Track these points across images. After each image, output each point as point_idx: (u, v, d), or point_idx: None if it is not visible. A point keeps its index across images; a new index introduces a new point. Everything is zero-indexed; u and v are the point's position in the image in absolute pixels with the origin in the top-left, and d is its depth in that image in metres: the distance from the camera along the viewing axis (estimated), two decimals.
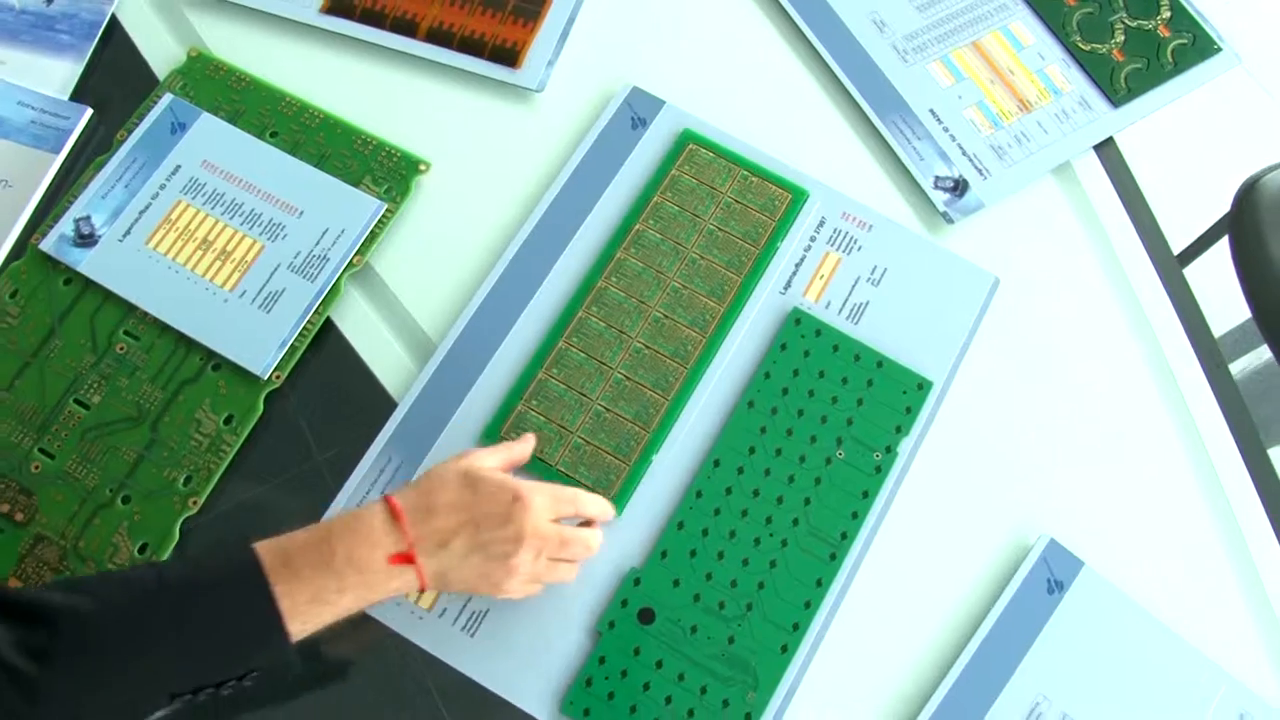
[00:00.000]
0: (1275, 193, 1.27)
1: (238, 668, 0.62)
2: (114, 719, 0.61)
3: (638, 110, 0.96)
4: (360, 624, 0.76)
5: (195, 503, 0.79)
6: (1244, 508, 0.84)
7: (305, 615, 0.63)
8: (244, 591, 0.62)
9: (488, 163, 0.94)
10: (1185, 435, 0.86)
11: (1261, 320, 1.27)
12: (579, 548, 0.72)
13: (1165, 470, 0.85)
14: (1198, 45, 1.02)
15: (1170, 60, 1.00)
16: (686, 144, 0.94)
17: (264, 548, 0.64)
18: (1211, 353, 0.88)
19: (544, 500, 0.70)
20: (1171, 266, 0.92)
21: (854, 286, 0.90)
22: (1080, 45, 1.00)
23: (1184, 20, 1.03)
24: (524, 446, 0.77)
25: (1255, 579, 0.82)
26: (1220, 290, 1.33)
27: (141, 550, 0.77)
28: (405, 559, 0.66)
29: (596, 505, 0.75)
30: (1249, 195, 1.28)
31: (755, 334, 0.87)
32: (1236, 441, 0.85)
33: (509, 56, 0.98)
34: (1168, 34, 1.02)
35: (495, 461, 0.72)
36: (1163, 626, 0.80)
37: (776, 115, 0.97)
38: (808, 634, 0.78)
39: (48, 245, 0.86)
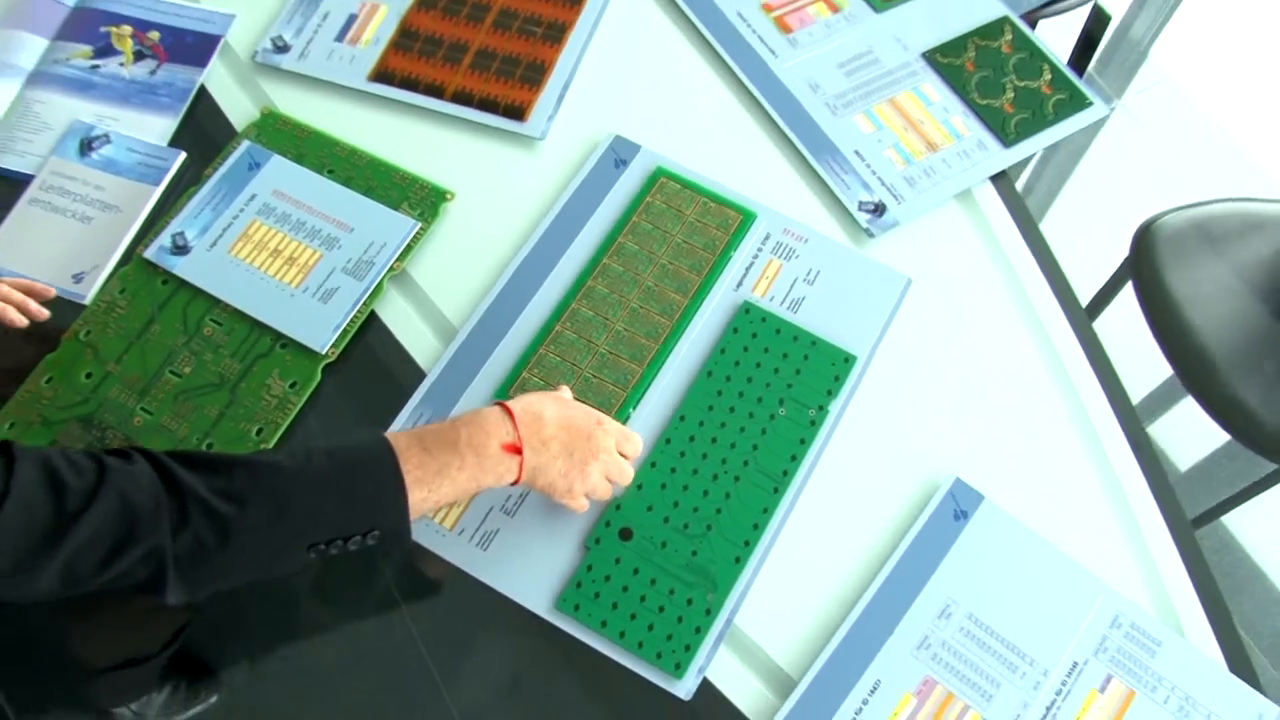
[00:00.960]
0: (1169, 232, 1.49)
1: (367, 525, 0.81)
2: (272, 562, 0.81)
3: (620, 153, 1.19)
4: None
5: (266, 440, 0.99)
6: (1114, 450, 1.04)
7: (431, 484, 0.83)
8: (380, 466, 0.82)
9: (500, 193, 1.17)
10: (1066, 395, 1.07)
11: (1166, 349, 1.47)
12: (624, 475, 0.93)
13: (1048, 421, 1.06)
14: (1073, 100, 1.25)
15: (1051, 111, 1.24)
16: (659, 178, 1.17)
17: (400, 435, 0.84)
18: (1082, 324, 1.09)
19: (615, 429, 0.92)
20: (1048, 258, 1.14)
21: (793, 285, 1.11)
22: (978, 100, 1.24)
23: (1062, 81, 1.27)
24: None
25: (1126, 509, 1.01)
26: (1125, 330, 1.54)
27: None
28: (514, 449, 0.86)
29: (636, 446, 0.96)
30: (1145, 236, 1.50)
31: (714, 321, 1.09)
32: (1106, 396, 1.06)
33: (517, 113, 1.22)
34: (1049, 91, 1.26)
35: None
36: (1050, 546, 0.99)
37: (731, 155, 1.20)
38: (756, 549, 0.97)
39: (150, 254, 1.08)
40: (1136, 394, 1.94)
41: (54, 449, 0.77)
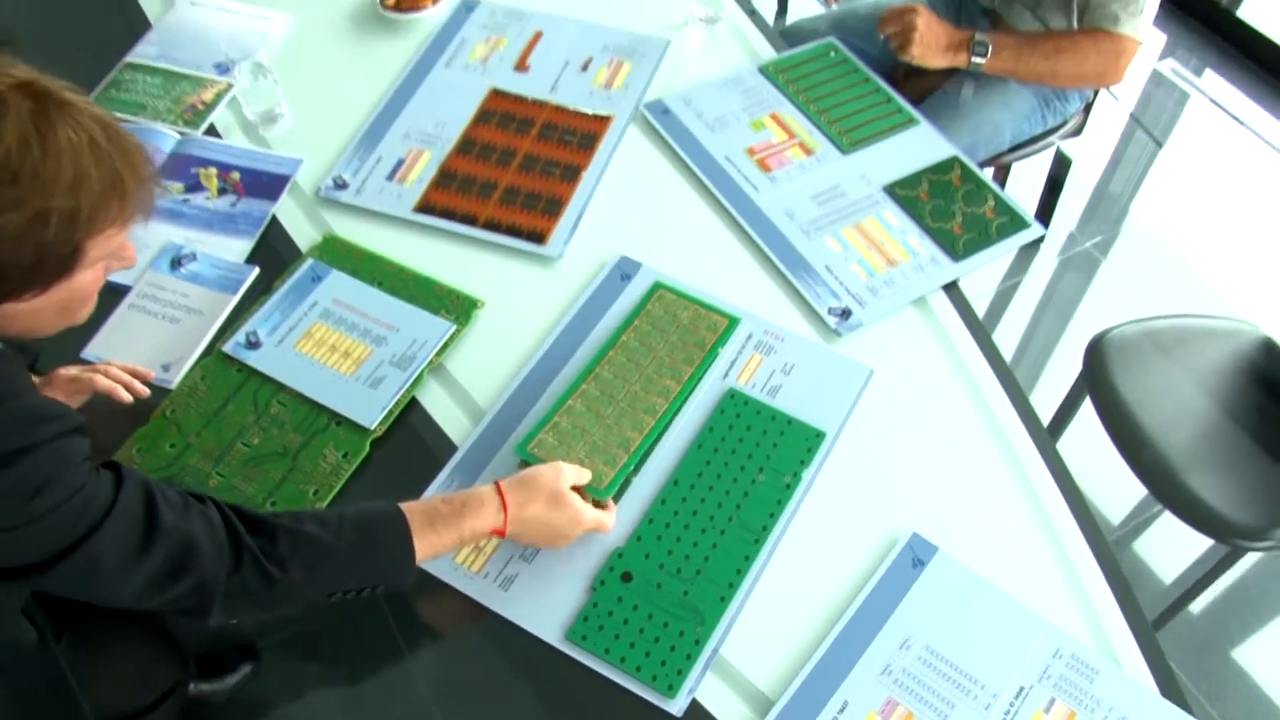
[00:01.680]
0: (1120, 342, 1.68)
1: (379, 582, 1.03)
2: (300, 605, 1.01)
3: (624, 270, 1.41)
4: (432, 585, 1.12)
5: (321, 500, 1.17)
6: (1053, 506, 1.20)
7: (431, 551, 1.05)
8: (396, 539, 1.03)
9: (523, 302, 1.37)
10: (1009, 463, 1.23)
11: (1120, 447, 1.63)
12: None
13: (994, 485, 1.22)
14: (1014, 222, 1.47)
15: (995, 232, 1.45)
16: (657, 290, 1.37)
17: (415, 509, 1.04)
18: (1020, 398, 1.27)
19: (588, 522, 1.12)
20: (990, 346, 1.32)
21: (771, 375, 1.30)
22: (931, 224, 1.45)
23: (1004, 207, 1.48)
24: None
25: (1064, 555, 1.17)
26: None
27: None
28: (499, 533, 1.08)
29: (610, 523, 1.16)
30: (1097, 346, 1.68)
31: (704, 404, 1.27)
32: (1045, 463, 1.22)
33: (538, 237, 1.44)
34: (993, 216, 1.47)
35: (573, 477, 1.13)
36: (998, 589, 1.14)
37: (720, 271, 1.41)
38: (739, 590, 1.13)
39: (227, 348, 1.29)
40: (1109, 495, 2.08)
41: (153, 479, 0.95)
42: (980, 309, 2.39)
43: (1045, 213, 2.38)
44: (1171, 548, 2.04)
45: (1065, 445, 1.78)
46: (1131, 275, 2.48)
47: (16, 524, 0.85)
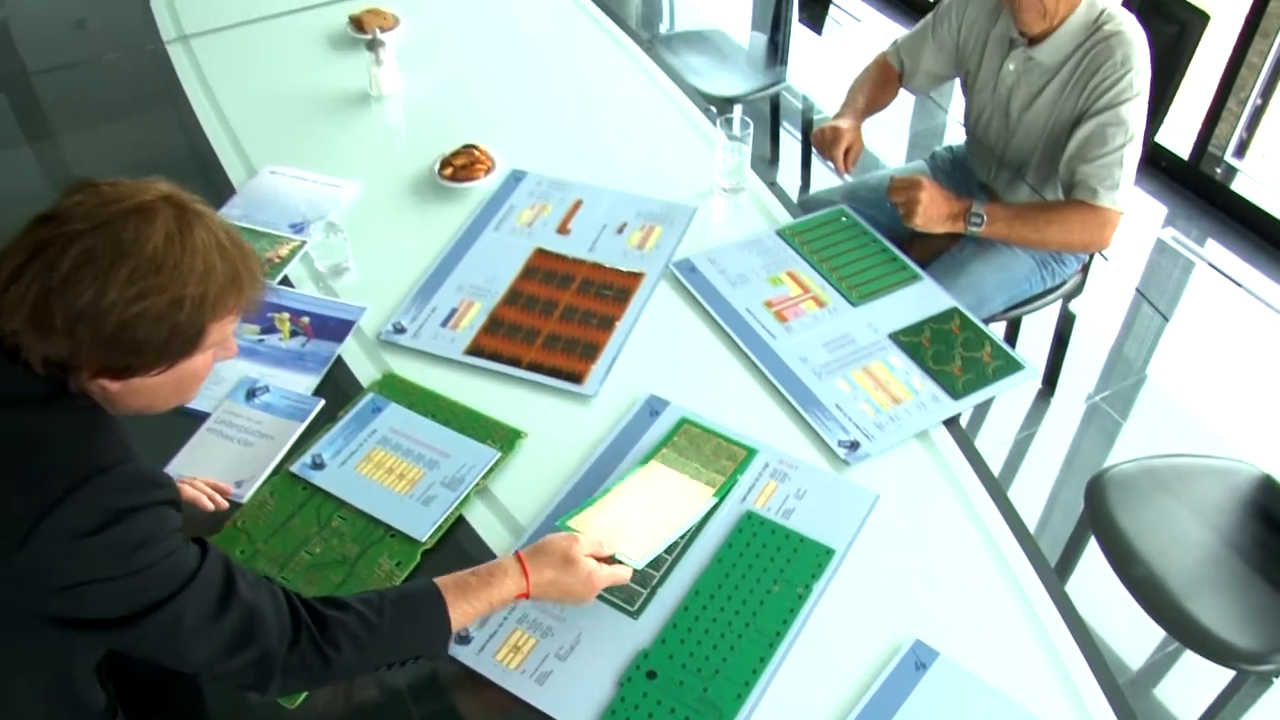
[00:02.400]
0: (1118, 480, 1.78)
1: (420, 654, 1.17)
2: (350, 678, 1.16)
3: (654, 406, 1.55)
4: (476, 680, 1.23)
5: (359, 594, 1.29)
6: (1047, 618, 1.29)
7: (464, 621, 1.19)
8: (434, 616, 1.17)
9: (561, 434, 1.52)
10: (1005, 579, 1.34)
11: (1125, 579, 1.72)
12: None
13: (992, 598, 1.32)
14: (1009, 365, 1.61)
15: (991, 374, 1.59)
16: (683, 424, 1.52)
17: (447, 583, 1.19)
18: (1012, 515, 1.38)
19: (602, 579, 1.25)
20: (988, 475, 1.44)
21: (785, 500, 1.43)
22: (932, 366, 1.60)
23: (1000, 352, 1.63)
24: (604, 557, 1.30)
25: (1057, 658, 1.26)
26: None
27: None
28: (524, 595, 1.21)
29: (626, 576, 1.29)
30: (1097, 485, 1.79)
31: (724, 524, 1.39)
32: (1038, 575, 1.33)
33: (576, 378, 1.60)
34: (989, 359, 1.62)
35: (588, 547, 1.26)
36: (995, 691, 1.23)
37: (739, 408, 1.55)
38: (755, 687, 1.23)
39: (294, 468, 1.44)
40: (1125, 639, 2.14)
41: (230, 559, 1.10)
42: (999, 457, 2.51)
43: (1054, 366, 2.52)
44: (1187, 690, 2.08)
45: (1076, 585, 1.88)
46: (1135, 420, 2.60)
47: (117, 575, 0.99)
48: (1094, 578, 1.88)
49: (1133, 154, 1.85)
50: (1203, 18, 2.01)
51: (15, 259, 0.98)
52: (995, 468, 1.50)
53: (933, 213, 1.88)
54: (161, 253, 0.99)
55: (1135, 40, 1.84)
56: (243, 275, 1.06)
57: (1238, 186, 3.20)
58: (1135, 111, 1.85)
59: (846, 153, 2.03)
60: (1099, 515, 1.77)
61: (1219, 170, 3.24)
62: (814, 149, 2.09)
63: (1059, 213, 1.92)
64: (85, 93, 2.49)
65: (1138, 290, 3.04)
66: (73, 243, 0.97)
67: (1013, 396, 2.63)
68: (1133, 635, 2.14)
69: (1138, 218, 3.24)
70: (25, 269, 0.97)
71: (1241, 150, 3.25)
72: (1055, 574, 1.35)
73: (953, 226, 1.91)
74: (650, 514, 1.37)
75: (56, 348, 0.99)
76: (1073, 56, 1.90)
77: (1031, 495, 2.43)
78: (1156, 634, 2.07)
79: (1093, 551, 1.79)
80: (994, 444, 2.54)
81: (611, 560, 1.29)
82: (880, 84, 2.20)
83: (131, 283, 0.98)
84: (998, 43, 2.03)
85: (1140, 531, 1.72)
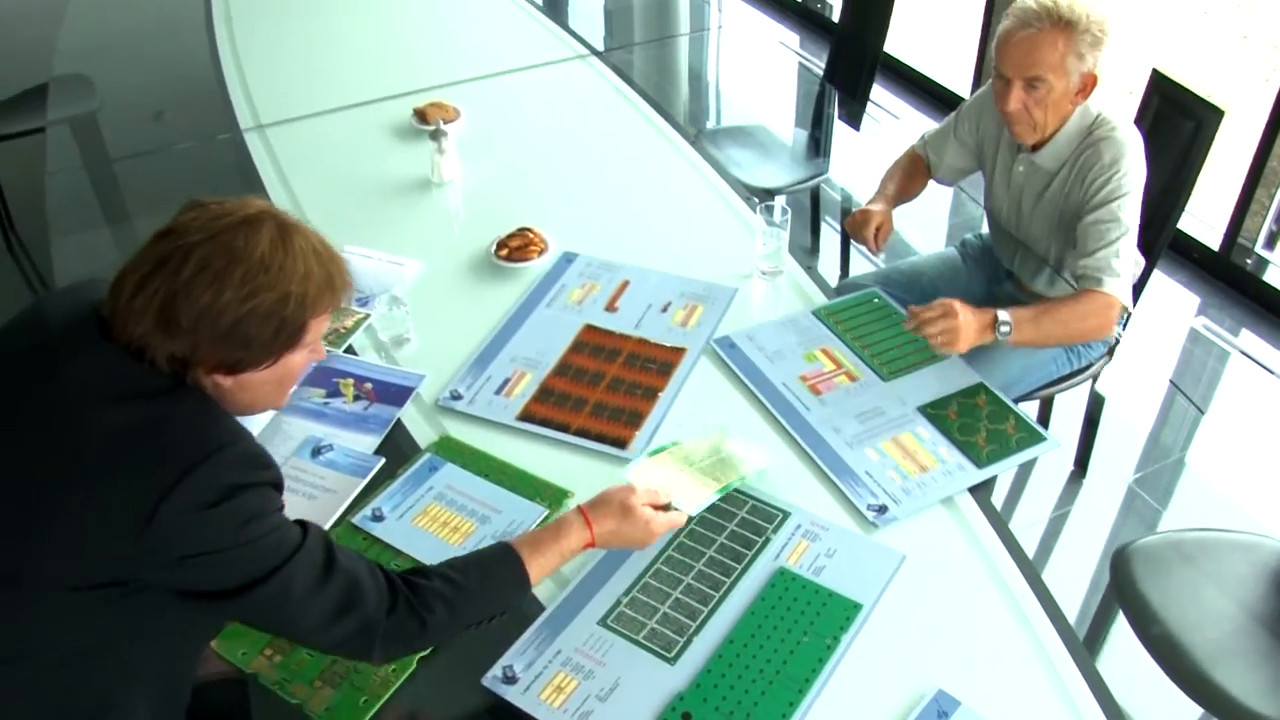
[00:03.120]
0: (1144, 552, 1.84)
1: (505, 608, 1.32)
2: (445, 640, 1.29)
3: None
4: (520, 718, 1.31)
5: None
6: (1065, 670, 1.35)
7: (542, 573, 1.35)
8: (514, 573, 1.31)
9: None
10: (1025, 632, 1.40)
11: (1150, 648, 1.76)
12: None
13: (1013, 650, 1.38)
14: (1032, 437, 1.69)
15: (1015, 444, 1.67)
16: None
17: (522, 542, 1.33)
18: (1031, 573, 1.45)
19: (660, 525, 1.42)
20: (1011, 540, 1.51)
21: (816, 558, 1.51)
22: (958, 437, 1.68)
23: (1023, 425, 1.71)
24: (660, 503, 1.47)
25: (1076, 712, 1.32)
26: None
27: None
28: (590, 544, 1.38)
29: (681, 520, 1.48)
30: (1121, 557, 1.84)
31: (758, 579, 1.48)
32: (1056, 630, 1.39)
33: (621, 443, 1.70)
34: (1013, 432, 1.70)
35: (645, 497, 1.41)
36: None
37: (775, 473, 1.64)
38: None
39: (356, 520, 1.55)
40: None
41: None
42: (1033, 536, 2.55)
43: (1085, 448, 2.58)
44: None
45: (1107, 658, 1.92)
46: (1166, 501, 2.65)
47: (231, 545, 1.11)
48: (1125, 652, 1.93)
49: (1128, 245, 1.95)
50: (1218, 114, 2.12)
51: (140, 271, 1.13)
52: (1029, 547, 1.55)
53: (970, 333, 1.85)
54: (268, 257, 1.14)
55: (1126, 143, 1.96)
56: (335, 278, 1.22)
57: (1269, 277, 3.27)
58: (1129, 207, 1.95)
59: (877, 232, 2.14)
60: (1124, 585, 1.82)
61: (1249, 261, 3.32)
62: (848, 232, 2.19)
63: (1072, 306, 1.96)
64: (170, 178, 2.69)
65: (1172, 382, 3.09)
66: (192, 252, 1.12)
67: (1046, 478, 2.69)
68: (1161, 708, 2.16)
69: (1170, 306, 3.31)
70: (150, 279, 1.12)
71: (1272, 242, 3.33)
72: (1074, 631, 1.41)
73: (986, 338, 1.89)
74: (707, 471, 1.52)
75: (180, 346, 1.13)
76: (1069, 160, 2.03)
77: (1063, 571, 2.47)
78: (1184, 707, 2.09)
79: (1124, 627, 1.84)
80: (1026, 523, 2.59)
81: (668, 508, 1.46)
82: (910, 174, 2.31)
83: (244, 284, 1.13)
84: (1008, 146, 2.16)
85: (1165, 601, 1.77)
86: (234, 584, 1.14)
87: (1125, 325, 2.27)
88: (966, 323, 1.83)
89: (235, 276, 1.13)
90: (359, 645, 1.21)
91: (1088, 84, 1.95)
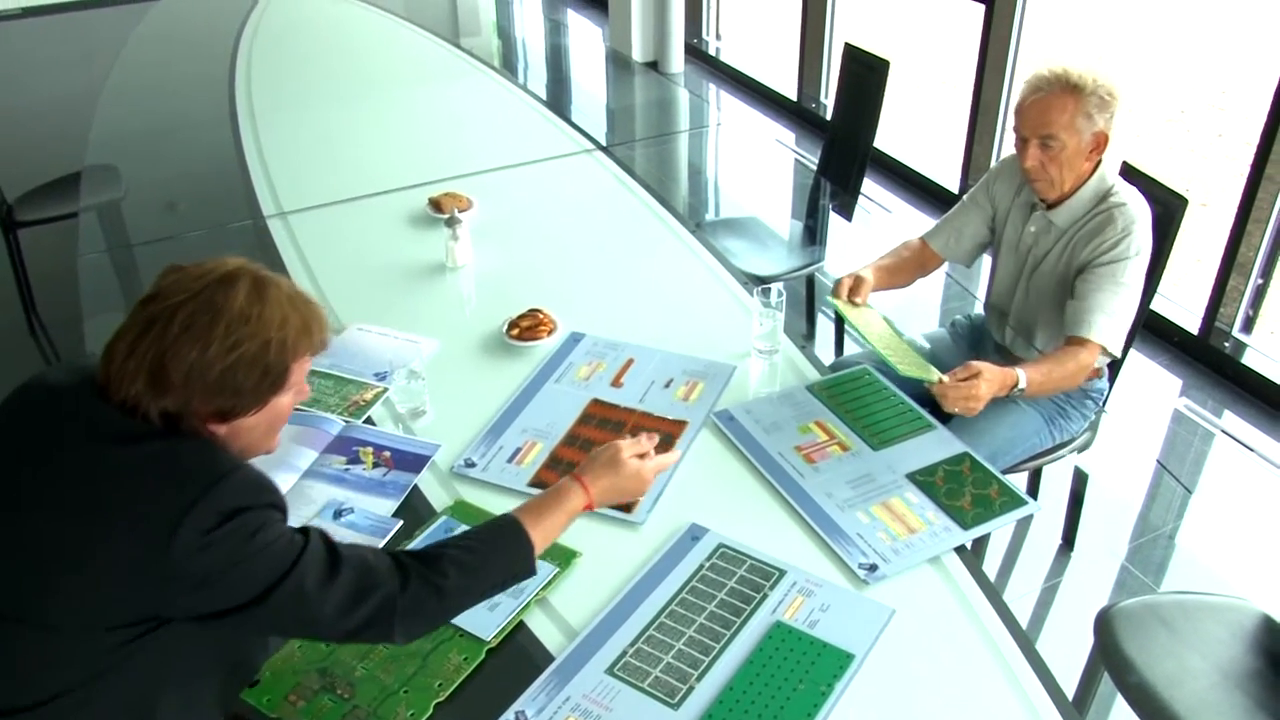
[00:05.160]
0: (1125, 614, 1.92)
1: (514, 576, 1.40)
2: (462, 609, 1.38)
3: (694, 533, 1.75)
4: None
5: (444, 692, 1.46)
6: (1039, 703, 1.44)
7: (546, 540, 1.47)
8: (517, 535, 1.41)
9: (612, 555, 1.71)
10: (1011, 687, 1.48)
11: (1135, 706, 1.83)
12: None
13: (997, 698, 1.46)
14: (1014, 501, 1.79)
15: (998, 508, 1.77)
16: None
17: (524, 511, 1.44)
18: (1015, 627, 1.53)
19: (651, 470, 1.57)
20: (996, 596, 1.60)
21: (811, 612, 1.59)
22: (945, 501, 1.78)
23: (1006, 490, 1.81)
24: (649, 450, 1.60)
25: None
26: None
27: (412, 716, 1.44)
28: (589, 507, 1.50)
29: (673, 459, 1.65)
30: (1104, 620, 1.93)
31: (756, 633, 1.56)
32: (1042, 684, 1.47)
33: (627, 509, 1.80)
34: (996, 496, 1.80)
35: (631, 449, 1.52)
36: None
37: (770, 535, 1.74)
38: None
39: None
40: None
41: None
42: (1026, 607, 2.63)
43: (1071, 523, 2.67)
44: None
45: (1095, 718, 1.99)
46: (1149, 573, 2.72)
47: (242, 559, 1.21)
48: (1114, 714, 2.00)
49: (1125, 302, 2.10)
50: (1182, 201, 2.26)
51: (129, 335, 1.24)
52: (1020, 616, 1.63)
53: (995, 390, 1.96)
54: (247, 309, 1.26)
55: (1137, 215, 2.12)
56: (311, 322, 1.33)
57: (1248, 360, 3.40)
58: (1133, 270, 2.10)
59: (854, 283, 2.23)
60: (1107, 647, 1.90)
61: (1228, 344, 3.44)
62: (832, 295, 2.27)
63: (1065, 353, 2.11)
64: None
65: (1159, 462, 3.19)
66: (176, 312, 1.24)
67: (1036, 553, 2.77)
68: None
69: (1153, 388, 3.43)
70: (139, 341, 1.23)
71: (1248, 325, 3.46)
72: (1062, 690, 1.48)
73: (1000, 395, 2.00)
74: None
75: (173, 401, 1.23)
76: (1081, 219, 2.18)
77: (1052, 639, 2.54)
78: None
79: (1111, 688, 1.91)
80: (1018, 594, 2.67)
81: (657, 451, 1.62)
82: (906, 256, 2.42)
83: (227, 335, 1.24)
84: (1020, 209, 2.31)
85: (1147, 663, 1.85)
86: (255, 593, 1.22)
87: (1116, 376, 2.38)
88: (989, 381, 1.92)
89: (219, 330, 1.23)
90: (381, 625, 1.29)
91: (1100, 142, 2.13)
